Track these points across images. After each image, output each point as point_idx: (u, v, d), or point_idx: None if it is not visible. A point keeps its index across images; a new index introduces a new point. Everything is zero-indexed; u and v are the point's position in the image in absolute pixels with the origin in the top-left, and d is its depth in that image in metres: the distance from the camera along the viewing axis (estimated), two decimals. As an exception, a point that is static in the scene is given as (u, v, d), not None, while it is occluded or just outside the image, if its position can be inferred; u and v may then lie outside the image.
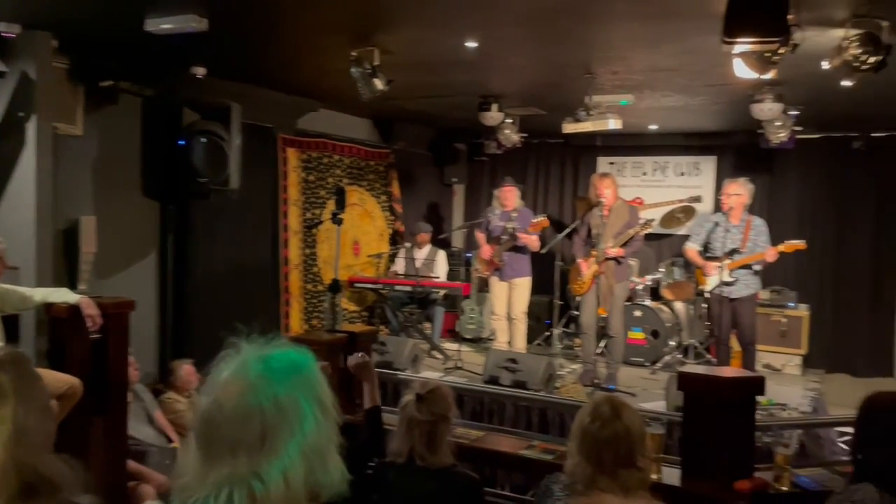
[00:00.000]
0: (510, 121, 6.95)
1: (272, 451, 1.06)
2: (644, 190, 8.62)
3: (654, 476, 2.95)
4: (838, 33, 3.53)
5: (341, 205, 4.66)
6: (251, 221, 6.52)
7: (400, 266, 7.69)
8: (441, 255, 7.72)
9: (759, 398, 5.93)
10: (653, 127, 7.89)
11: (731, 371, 3.80)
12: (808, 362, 7.43)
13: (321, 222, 6.67)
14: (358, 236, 7.89)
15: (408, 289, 7.27)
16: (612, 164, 8.83)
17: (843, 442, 5.64)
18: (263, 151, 6.62)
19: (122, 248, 5.53)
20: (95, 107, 5.19)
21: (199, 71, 5.03)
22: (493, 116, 6.30)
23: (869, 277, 7.59)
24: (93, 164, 5.26)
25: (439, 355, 7.12)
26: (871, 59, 3.40)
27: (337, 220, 4.58)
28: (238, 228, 6.35)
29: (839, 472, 3.00)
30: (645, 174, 8.74)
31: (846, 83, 3.63)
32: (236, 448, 1.06)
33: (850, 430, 5.47)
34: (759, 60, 3.45)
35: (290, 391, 1.12)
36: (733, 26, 2.90)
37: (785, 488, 2.86)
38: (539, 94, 6.17)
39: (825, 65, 3.61)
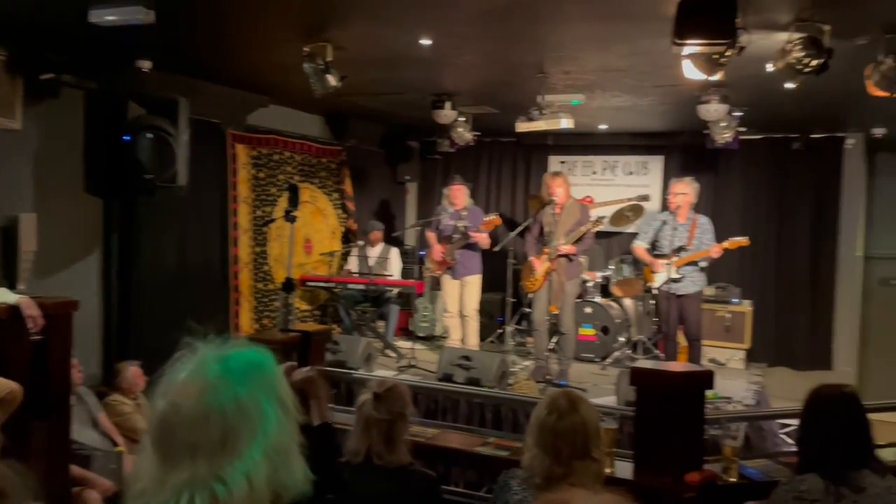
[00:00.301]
0: (463, 119, 6.96)
1: (234, 453, 1.04)
2: (594, 188, 8.75)
3: (607, 470, 2.99)
4: (782, 36, 3.64)
5: (295, 202, 4.60)
6: (199, 219, 6.39)
7: (353, 264, 7.64)
8: (395, 253, 7.69)
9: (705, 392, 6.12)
10: (602, 127, 8.01)
11: (681, 366, 3.90)
12: (751, 356, 7.67)
13: (274, 220, 6.56)
14: (310, 234, 7.80)
15: (361, 287, 7.22)
16: (562, 162, 8.94)
17: (785, 434, 5.85)
18: (212, 148, 6.49)
19: (64, 247, 5.35)
20: (36, 100, 5.01)
21: (145, 64, 4.90)
22: (446, 114, 6.31)
23: (808, 273, 7.86)
24: (33, 160, 5.08)
25: (393, 354, 7.10)
26: (814, 62, 3.52)
27: (290, 218, 4.52)
28: (186, 226, 6.21)
29: (784, 463, 3.10)
30: (595, 173, 8.87)
31: (789, 85, 3.75)
32: (196, 451, 1.03)
33: (791, 422, 5.69)
34: (708, 62, 3.54)
35: (251, 391, 1.09)
36: (683, 28, 2.96)
37: (733, 479, 2.94)
38: (492, 92, 6.20)
39: (770, 67, 3.73)
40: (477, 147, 8.43)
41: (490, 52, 4.75)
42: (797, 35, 3.54)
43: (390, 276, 7.41)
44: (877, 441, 2.56)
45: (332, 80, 4.46)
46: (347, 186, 8.28)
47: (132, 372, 4.86)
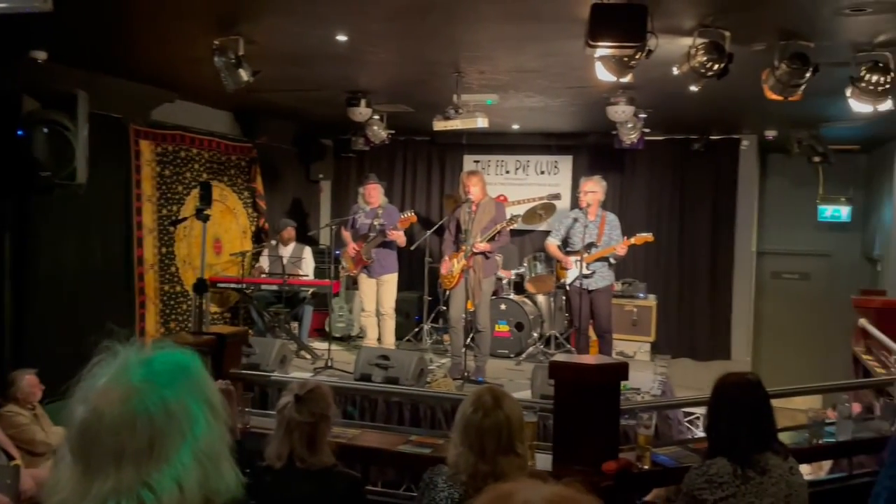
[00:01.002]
0: (378, 117, 6.93)
1: (162, 459, 0.99)
2: (507, 187, 8.89)
3: (529, 463, 3.05)
4: (687, 41, 3.80)
5: (207, 200, 4.43)
6: (101, 219, 6.08)
7: (265, 264, 7.45)
8: (308, 253, 7.56)
9: (616, 383, 6.31)
10: (515, 126, 8.16)
11: (597, 358, 4.01)
12: (656, 348, 8.00)
13: (185, 219, 6.31)
14: (219, 234, 7.55)
15: (274, 288, 7.05)
16: (476, 161, 9.04)
17: (688, 421, 6.13)
18: (114, 144, 6.18)
19: (-50, 249, 4.97)
20: (-83, 92, 4.63)
21: (41, 55, 4.61)
22: (361, 112, 6.25)
23: (708, 268, 8.27)
24: (-87, 155, 4.69)
25: (308, 355, 6.98)
26: (716, 66, 3.70)
27: (203, 217, 4.36)
28: (86, 226, 5.89)
29: (693, 450, 3.24)
30: (508, 172, 9.02)
31: (693, 88, 3.93)
32: (121, 458, 0.97)
33: (694, 410, 5.96)
34: (618, 64, 3.66)
35: (178, 394, 1.05)
36: (596, 31, 3.05)
37: (647, 467, 3.05)
38: (407, 91, 6.19)
39: (675, 70, 3.89)
40: (392, 145, 8.41)
41: (406, 51, 4.74)
42: (700, 40, 3.71)
43: (304, 275, 7.27)
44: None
45: (244, 74, 4.34)
46: (258, 185, 8.07)
47: (28, 381, 4.57)
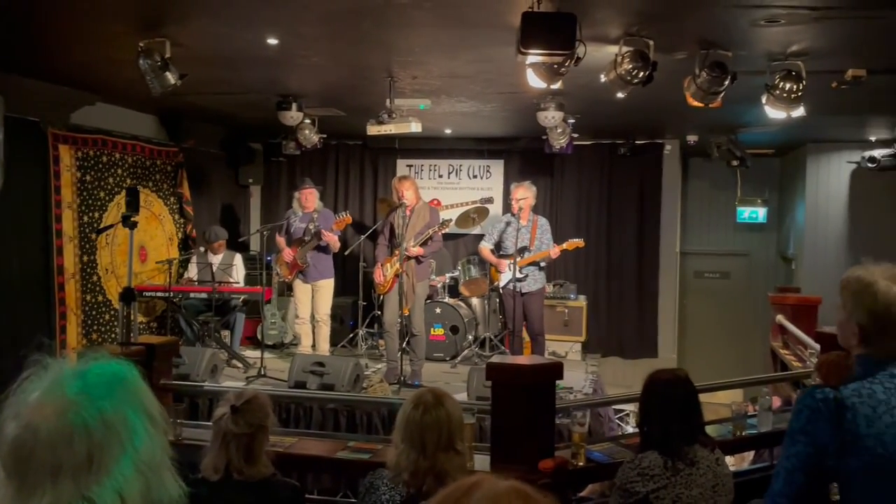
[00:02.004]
0: (309, 121, 6.85)
1: (102, 471, 0.97)
2: (440, 192, 8.95)
3: (468, 463, 3.08)
4: (613, 49, 3.92)
5: (134, 206, 4.28)
6: (17, 227, 5.79)
7: (194, 272, 7.25)
8: (239, 260, 7.40)
9: (550, 383, 6.43)
10: (448, 131, 8.22)
11: (533, 359, 4.08)
12: (587, 348, 8.19)
13: (111, 226, 6.06)
14: (144, 241, 7.30)
15: (203, 296, 6.88)
16: (409, 166, 9.05)
17: (619, 418, 6.31)
18: (31, 148, 5.92)
19: None
20: None
21: (-52, 54, 4.37)
22: (292, 116, 6.17)
23: (635, 269, 8.53)
24: None
25: (240, 364, 6.84)
26: (641, 74, 3.83)
27: (130, 224, 4.20)
28: (2, 235, 5.60)
29: (625, 445, 3.33)
30: (441, 176, 9.07)
31: (619, 95, 4.05)
32: (58, 473, 0.95)
33: (624, 407, 6.14)
34: (549, 71, 3.74)
35: (116, 406, 1.02)
36: (527, 38, 3.11)
37: (581, 464, 3.12)
38: (339, 95, 6.15)
39: (602, 78, 4.00)
40: (324, 150, 8.34)
41: (338, 54, 4.71)
42: (626, 48, 3.83)
43: (235, 283, 7.11)
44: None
45: (171, 77, 4.22)
46: (185, 190, 7.85)
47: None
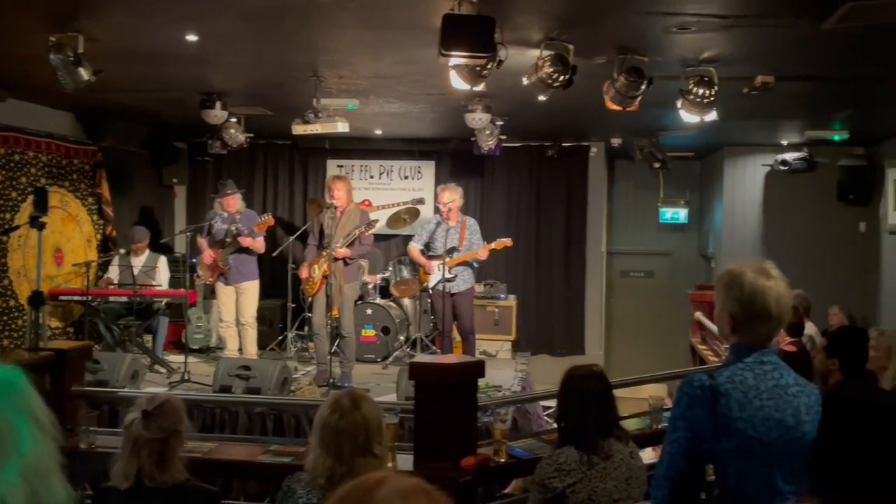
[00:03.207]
0: (235, 120, 6.71)
1: None
2: (371, 192, 8.91)
3: (389, 464, 3.08)
4: (535, 53, 4.00)
5: (42, 207, 4.11)
6: (-81, 228, 5.49)
7: (114, 275, 6.99)
8: (162, 262, 7.18)
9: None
10: (378, 132, 8.20)
11: (456, 358, 4.11)
12: (517, 346, 8.32)
13: (18, 227, 5.78)
14: (60, 243, 7.01)
15: (124, 299, 6.64)
16: (340, 166, 8.99)
17: (547, 415, 6.43)
18: (-66, 146, 5.61)
19: None
20: None
21: None
22: (216, 115, 6.03)
23: (563, 269, 8.70)
24: None
25: (163, 369, 6.65)
26: (561, 78, 3.92)
27: (38, 225, 4.03)
28: None
29: (546, 441, 3.41)
30: (372, 177, 9.04)
31: (541, 98, 4.13)
32: None
33: (550, 403, 6.24)
34: (471, 73, 3.79)
35: (1, 412, 0.99)
36: (448, 41, 3.14)
37: (503, 460, 3.18)
38: (265, 93, 6.06)
39: (524, 81, 4.08)
40: (251, 149, 8.19)
41: (262, 53, 4.64)
42: (547, 52, 3.91)
43: (158, 286, 6.90)
44: (620, 413, 2.94)
45: (84, 73, 4.07)
46: (104, 190, 7.56)
47: None
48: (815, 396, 2.00)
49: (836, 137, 7.15)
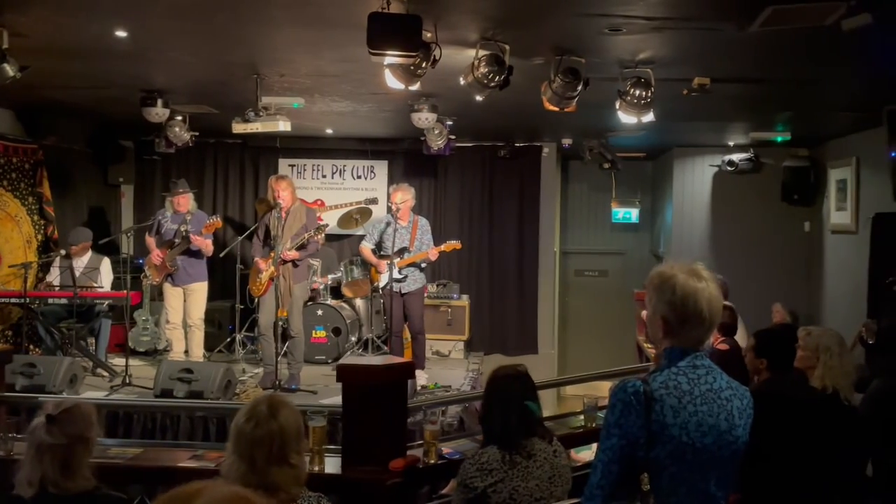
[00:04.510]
0: (180, 118, 6.59)
1: None
2: (324, 192, 8.85)
3: (316, 468, 3.05)
4: (470, 53, 3.99)
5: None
6: None
7: (55, 276, 6.82)
8: (105, 263, 7.02)
9: (425, 382, 6.49)
10: (329, 131, 8.13)
11: (384, 359, 4.08)
12: (470, 346, 8.33)
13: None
14: (-1, 244, 6.83)
15: (64, 301, 6.48)
16: (292, 166, 8.90)
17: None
18: None
19: None
20: None
21: None
22: (157, 112, 5.89)
23: (516, 268, 8.73)
24: None
25: (106, 373, 6.50)
26: (497, 78, 3.91)
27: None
28: None
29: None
30: (325, 177, 8.96)
31: (478, 98, 4.12)
32: None
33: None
34: (406, 73, 3.76)
35: None
36: (375, 40, 3.12)
37: (433, 461, 3.16)
38: (209, 91, 5.95)
39: (461, 81, 4.06)
40: (200, 147, 8.06)
41: (198, 50, 4.55)
42: (482, 52, 3.91)
43: (100, 287, 6.74)
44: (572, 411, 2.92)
45: (9, 69, 3.95)
46: (45, 189, 7.36)
47: None
48: (748, 400, 1.98)
49: (779, 139, 7.29)
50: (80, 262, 6.82)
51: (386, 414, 3.14)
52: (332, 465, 3.15)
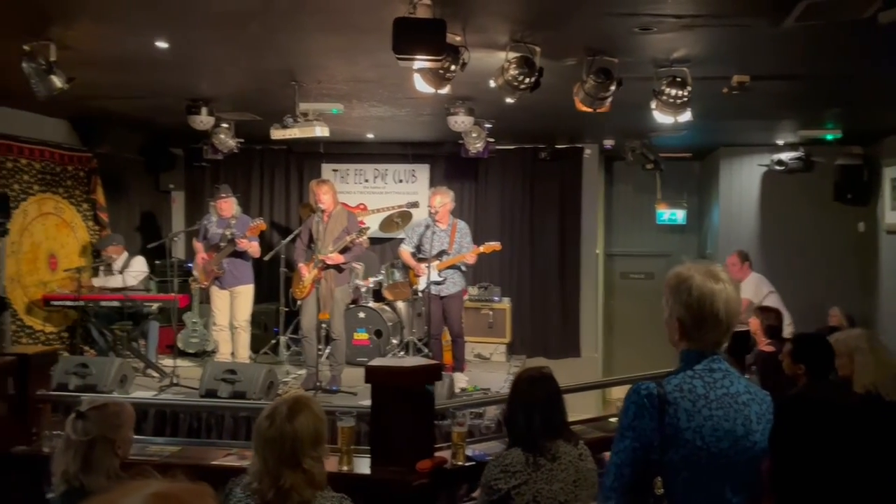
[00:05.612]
0: (225, 125, 6.77)
1: None
2: (366, 196, 8.94)
3: (344, 467, 3.09)
4: (501, 56, 3.99)
5: (5, 213, 4.16)
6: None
7: (108, 280, 7.07)
8: (138, 262, 7.22)
9: (464, 385, 6.49)
10: (370, 136, 8.21)
11: (412, 361, 4.11)
12: (512, 349, 8.28)
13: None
14: (55, 249, 7.10)
15: (115, 304, 6.71)
16: (335, 170, 9.03)
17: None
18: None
19: None
20: None
21: None
22: (202, 120, 6.08)
23: (557, 271, 8.65)
24: None
25: (156, 373, 6.71)
26: (527, 80, 3.90)
27: (0, 231, 4.08)
28: None
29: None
30: (367, 181, 9.06)
31: (509, 100, 4.12)
32: None
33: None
34: (435, 77, 3.79)
35: None
36: (401, 44, 3.15)
37: (460, 462, 3.17)
38: (251, 99, 6.10)
39: (492, 83, 4.07)
40: (247, 154, 8.25)
41: (236, 58, 4.67)
42: (513, 54, 3.90)
43: (144, 290, 6.95)
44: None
45: (57, 81, 4.13)
46: (100, 196, 7.65)
47: None
48: (767, 404, 1.93)
49: (830, 137, 7.05)
50: (117, 265, 7.07)
51: (414, 415, 3.16)
52: (363, 465, 3.19)
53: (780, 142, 8.01)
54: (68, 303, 6.74)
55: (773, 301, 6.68)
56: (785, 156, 8.00)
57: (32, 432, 3.32)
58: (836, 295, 7.31)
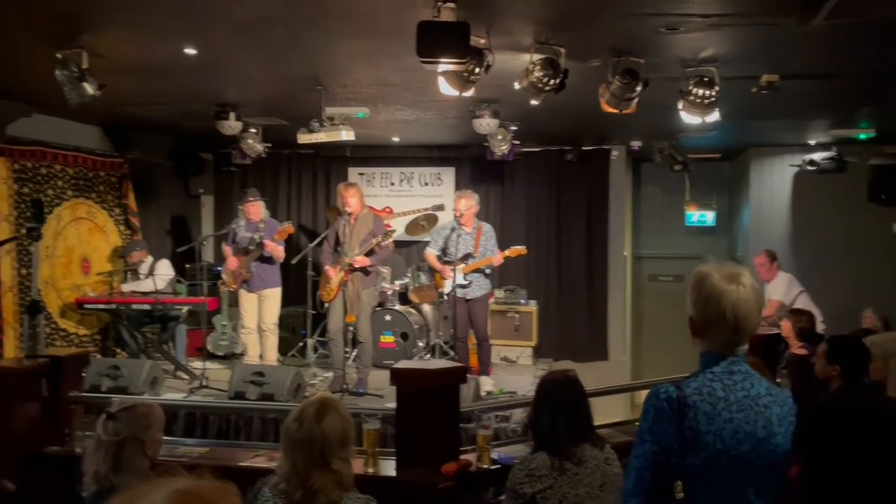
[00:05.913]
0: (253, 130, 6.85)
1: None
2: (392, 199, 8.97)
3: (370, 469, 3.10)
4: (526, 58, 3.98)
5: (39, 218, 4.25)
6: (-51, 240, 5.73)
7: (139, 284, 7.19)
8: (164, 266, 7.32)
9: (490, 388, 6.47)
10: (396, 139, 8.25)
11: (438, 364, 4.11)
12: (539, 352, 8.23)
13: (12, 239, 5.88)
14: (87, 253, 7.24)
15: (145, 307, 6.82)
16: (361, 174, 9.07)
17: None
18: (-37, 161, 5.86)
19: None
20: None
21: None
22: (230, 125, 6.16)
23: (584, 274, 8.58)
24: None
25: (185, 375, 6.80)
26: (552, 82, 3.89)
27: (34, 236, 4.17)
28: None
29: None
30: (393, 184, 9.10)
31: (534, 102, 4.11)
32: None
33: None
34: (459, 79, 3.79)
35: None
36: (424, 48, 3.16)
37: (485, 465, 3.16)
38: (277, 104, 6.16)
39: (517, 85, 4.06)
40: (275, 158, 8.33)
41: (263, 64, 4.72)
42: (537, 56, 3.89)
43: (174, 294, 7.05)
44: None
45: (89, 88, 4.21)
46: (131, 201, 7.79)
47: None
48: (789, 406, 1.89)
49: (863, 136, 6.92)
50: (144, 269, 7.20)
51: (438, 418, 3.16)
52: (389, 467, 3.20)
53: (812, 142, 7.87)
54: (101, 306, 6.86)
55: (803, 301, 6.58)
56: (817, 156, 7.86)
57: (65, 433, 3.39)
58: (870, 297, 7.13)
